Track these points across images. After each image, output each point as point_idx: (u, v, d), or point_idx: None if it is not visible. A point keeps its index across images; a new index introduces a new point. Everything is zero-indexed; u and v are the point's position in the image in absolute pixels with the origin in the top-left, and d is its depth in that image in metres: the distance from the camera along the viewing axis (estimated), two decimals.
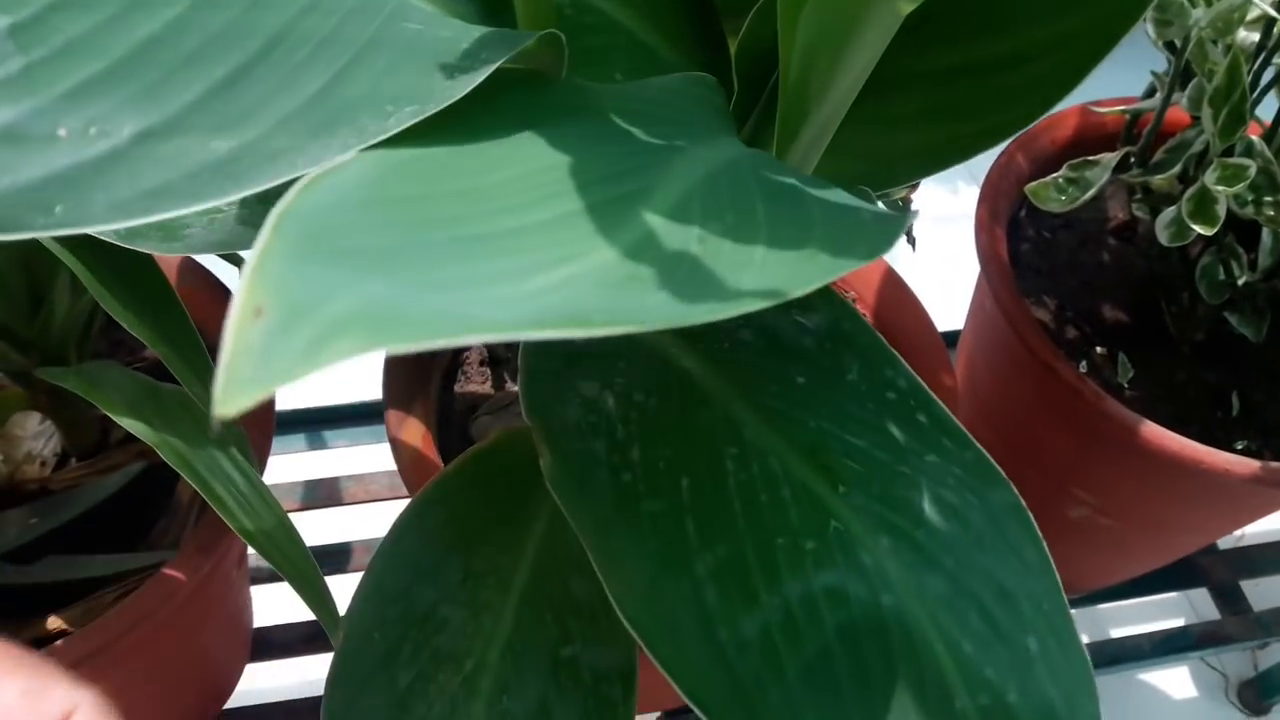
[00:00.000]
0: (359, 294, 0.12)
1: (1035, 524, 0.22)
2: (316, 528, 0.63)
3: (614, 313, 0.13)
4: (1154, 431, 0.44)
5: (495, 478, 0.29)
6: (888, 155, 0.29)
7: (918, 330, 0.51)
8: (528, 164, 0.20)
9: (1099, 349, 0.51)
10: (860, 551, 0.21)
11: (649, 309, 0.14)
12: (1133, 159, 0.48)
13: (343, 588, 0.59)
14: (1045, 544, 0.22)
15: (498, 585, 0.25)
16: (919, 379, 0.25)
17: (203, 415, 0.35)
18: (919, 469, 0.22)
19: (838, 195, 0.21)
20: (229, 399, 0.11)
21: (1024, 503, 0.22)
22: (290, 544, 0.29)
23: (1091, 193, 0.46)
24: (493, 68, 0.20)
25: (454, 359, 0.53)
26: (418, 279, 0.14)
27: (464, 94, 0.19)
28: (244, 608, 0.55)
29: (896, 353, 0.25)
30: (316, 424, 0.72)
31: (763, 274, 0.16)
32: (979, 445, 0.23)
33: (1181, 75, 0.45)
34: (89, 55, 0.17)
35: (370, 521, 0.64)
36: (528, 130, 0.21)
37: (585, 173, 0.19)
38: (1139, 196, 0.49)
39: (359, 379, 0.59)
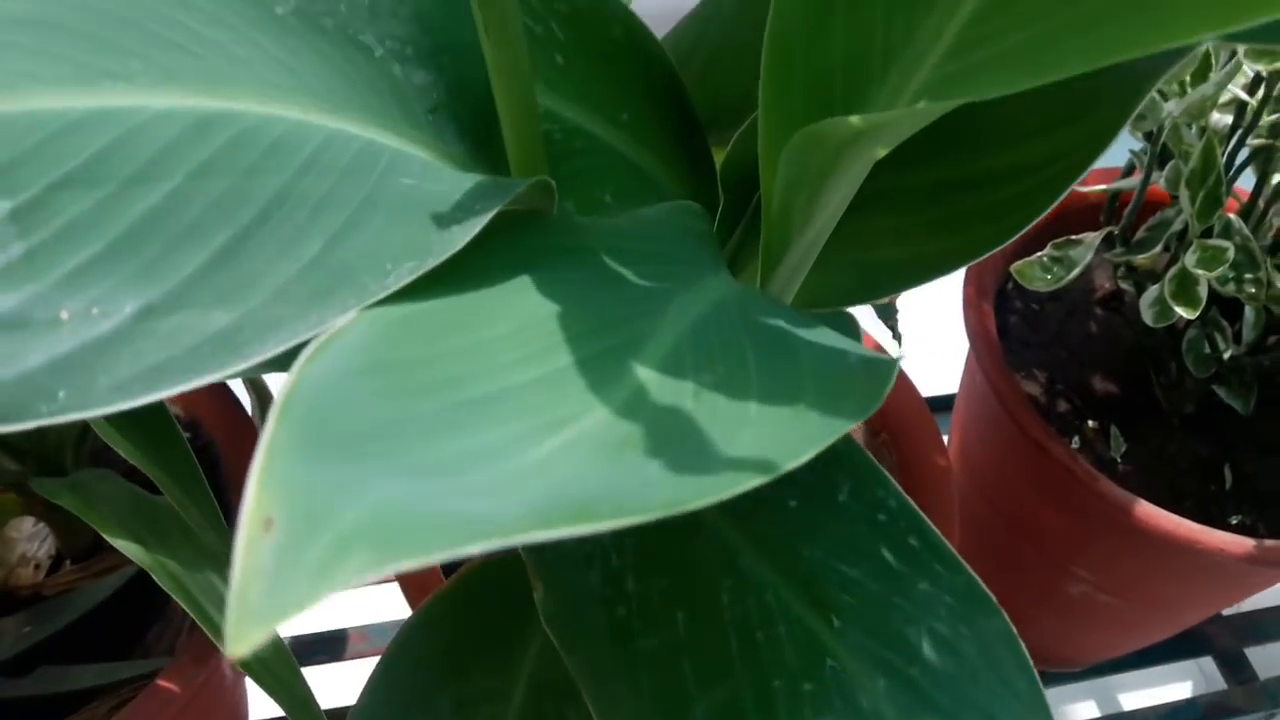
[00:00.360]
0: (367, 499, 0.12)
1: (1026, 651, 0.22)
2: (310, 613, 0.62)
3: (619, 499, 0.13)
4: (1148, 511, 0.44)
5: (488, 595, 0.29)
6: (872, 268, 0.29)
7: (909, 411, 0.51)
8: (522, 315, 0.20)
9: (1090, 422, 0.52)
10: (858, 694, 0.21)
11: (651, 489, 0.14)
12: (1115, 236, 0.48)
13: (338, 676, 0.58)
14: (1036, 672, 0.22)
15: (491, 715, 0.25)
16: (909, 499, 0.26)
17: (196, 535, 0.35)
18: (912, 599, 0.23)
19: (824, 335, 0.21)
20: (242, 634, 0.11)
21: (1014, 629, 0.22)
22: (285, 670, 0.29)
23: (1076, 272, 0.46)
24: (488, 218, 0.20)
25: None
26: (421, 462, 0.14)
27: (461, 246, 0.20)
28: (240, 702, 0.54)
29: (886, 472, 0.26)
30: None
31: (757, 435, 0.16)
32: (969, 569, 0.24)
33: (1159, 156, 0.46)
34: (89, 234, 0.17)
35: (365, 607, 0.64)
36: (522, 275, 0.21)
37: (577, 323, 0.20)
38: (1123, 273, 0.49)
39: None
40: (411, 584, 0.43)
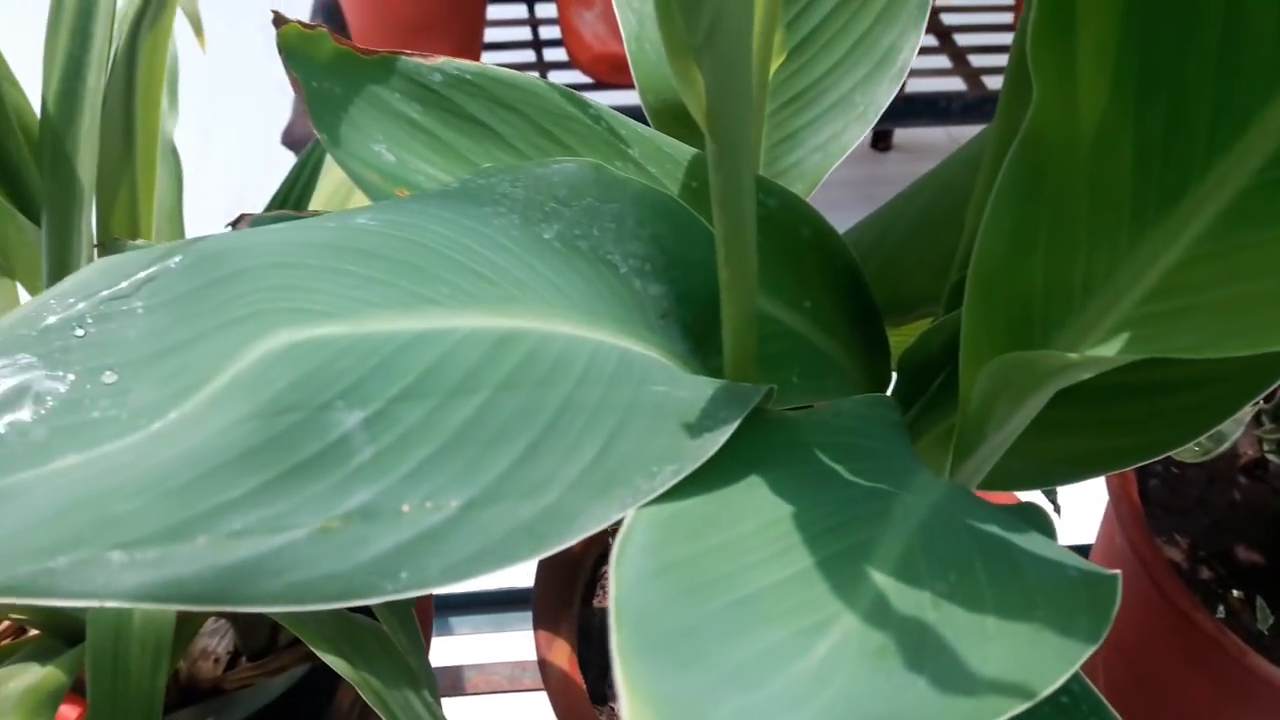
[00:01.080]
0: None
1: None
2: None
3: None
4: None
5: None
6: (1049, 457, 0.32)
7: None
8: (761, 514, 0.23)
9: (1235, 592, 0.52)
10: None
11: (927, 708, 0.16)
12: (1265, 412, 0.49)
13: None
14: None
15: None
16: (1089, 681, 0.27)
17: (397, 654, 0.38)
18: None
19: (1038, 543, 0.23)
20: None
21: None
22: None
23: (1224, 447, 0.47)
24: (733, 427, 0.23)
25: (593, 572, 0.56)
26: (728, 667, 0.17)
27: (712, 454, 0.23)
28: None
29: None
30: (443, 610, 0.74)
31: (1002, 652, 0.19)
32: None
33: None
34: (423, 440, 0.21)
35: (489, 714, 0.65)
36: (754, 473, 0.24)
37: (810, 524, 0.23)
38: (1271, 447, 0.50)
39: None
40: (564, 704, 0.45)
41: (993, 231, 0.26)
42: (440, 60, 0.30)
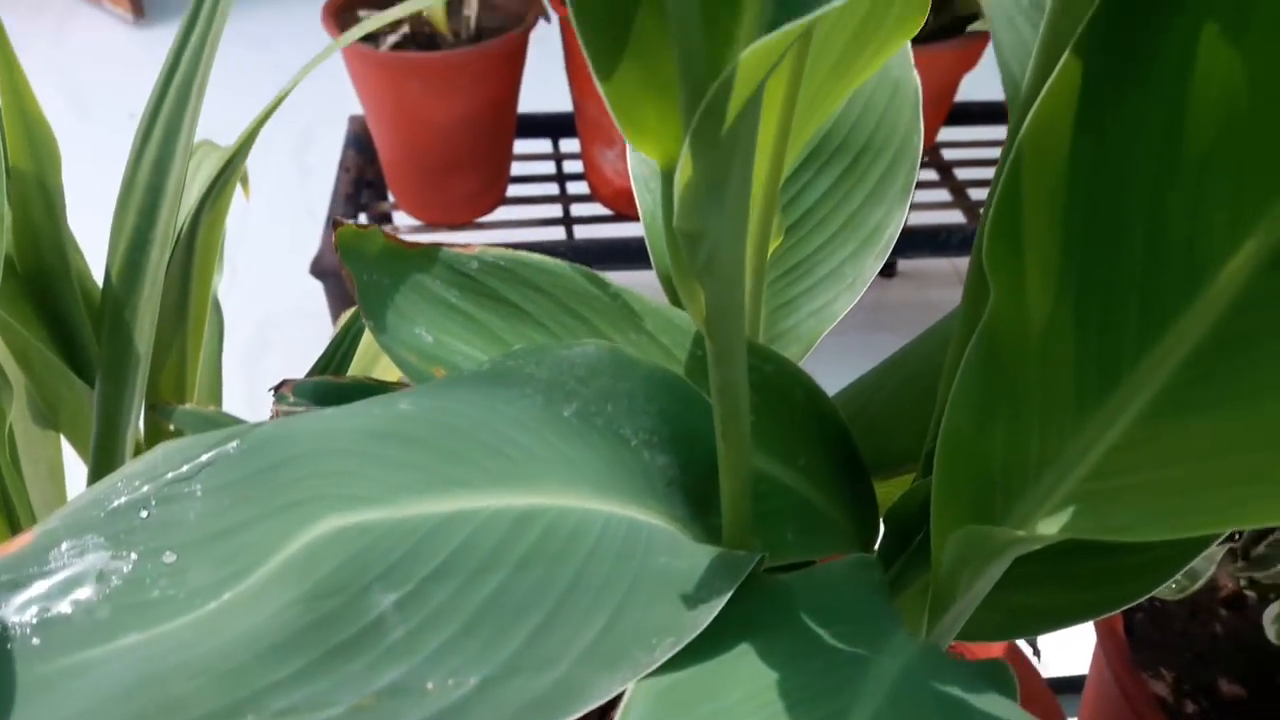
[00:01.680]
0: None
1: None
2: None
3: None
4: None
5: None
6: (1016, 610, 0.34)
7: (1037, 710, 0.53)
8: (749, 682, 0.25)
9: None
10: None
11: None
12: (1236, 551, 0.52)
13: None
14: None
15: None
16: None
17: None
18: None
19: (996, 704, 0.26)
20: None
21: None
22: None
23: (1200, 584, 0.50)
24: (726, 599, 0.26)
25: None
26: None
27: (705, 626, 0.25)
28: None
29: None
30: None
31: None
32: None
33: None
34: (448, 619, 0.24)
35: None
36: (742, 641, 0.27)
37: (791, 692, 0.25)
38: (1245, 582, 0.52)
39: None
40: None
41: (957, 409, 0.29)
42: (477, 250, 0.33)
